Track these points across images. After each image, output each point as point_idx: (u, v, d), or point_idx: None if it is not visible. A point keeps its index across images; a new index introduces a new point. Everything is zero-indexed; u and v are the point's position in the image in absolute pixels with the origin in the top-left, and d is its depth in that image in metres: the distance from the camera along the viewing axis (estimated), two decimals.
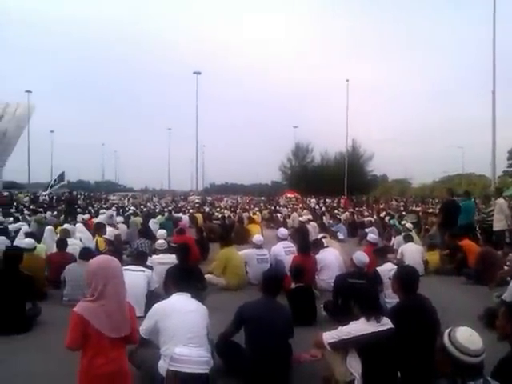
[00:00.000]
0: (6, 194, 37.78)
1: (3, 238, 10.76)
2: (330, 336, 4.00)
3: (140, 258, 6.95)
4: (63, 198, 35.14)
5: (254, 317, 4.29)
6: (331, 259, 8.12)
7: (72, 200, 23.52)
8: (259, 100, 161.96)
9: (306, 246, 8.18)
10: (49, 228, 10.65)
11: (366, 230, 14.18)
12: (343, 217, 21.02)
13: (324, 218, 20.15)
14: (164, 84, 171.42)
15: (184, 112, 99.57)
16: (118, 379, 3.20)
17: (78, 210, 21.52)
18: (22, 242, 8.51)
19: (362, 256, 6.49)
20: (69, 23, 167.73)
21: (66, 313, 6.42)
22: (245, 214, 21.85)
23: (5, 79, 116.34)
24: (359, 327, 3.87)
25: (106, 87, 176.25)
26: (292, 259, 7.87)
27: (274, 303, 4.53)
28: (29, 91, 53.52)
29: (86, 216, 16.10)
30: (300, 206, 34.12)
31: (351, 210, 27.10)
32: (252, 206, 34.09)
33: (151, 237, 11.26)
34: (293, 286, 6.49)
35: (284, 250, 8.78)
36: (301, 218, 18.36)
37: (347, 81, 51.46)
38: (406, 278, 4.49)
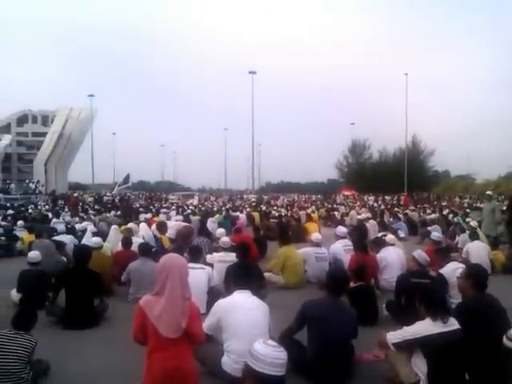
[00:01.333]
0: (75, 194, 39.71)
1: (71, 236, 11.35)
2: (394, 336, 3.93)
3: (195, 255, 7.01)
4: (125, 197, 36.56)
5: (318, 315, 4.27)
6: (393, 258, 7.92)
7: (127, 206, 24.71)
8: (315, 98, 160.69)
9: (364, 245, 8.04)
10: (114, 227, 11.09)
11: (429, 228, 13.73)
12: (408, 214, 20.40)
13: (384, 216, 19.71)
14: (221, 84, 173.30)
15: (240, 112, 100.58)
16: (178, 375, 3.25)
17: (140, 209, 22.35)
18: (89, 240, 8.91)
19: (424, 254, 6.31)
20: (130, 27, 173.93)
21: (131, 309, 6.70)
22: (301, 213, 21.76)
23: (69, 84, 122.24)
24: (425, 328, 3.77)
25: (165, 89, 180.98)
26: (351, 258, 7.76)
27: (338, 303, 4.49)
28: (91, 95, 55.92)
29: (148, 215, 16.63)
30: (358, 203, 33.57)
31: (412, 207, 26.35)
32: (309, 205, 33.88)
33: (209, 235, 11.46)
34: (352, 284, 6.40)
35: (343, 249, 8.67)
36: (359, 217, 18.03)
37: (406, 74, 50.03)
38: (478, 275, 4.32)
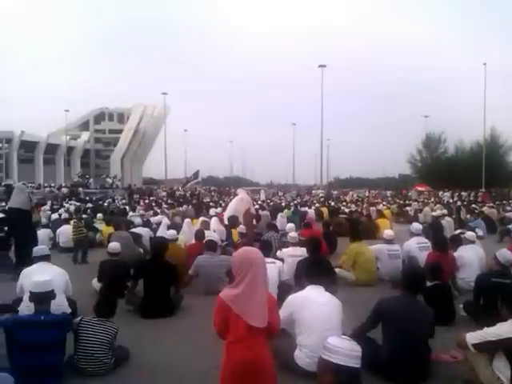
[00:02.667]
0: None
1: (147, 229, 11.84)
2: (473, 337, 3.77)
3: (266, 249, 7.03)
4: (196, 193, 37.56)
5: (394, 314, 4.18)
6: (471, 257, 7.55)
7: (198, 201, 25.60)
8: (386, 90, 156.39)
9: (443, 243, 7.69)
10: (187, 221, 11.43)
11: (509, 226, 12.97)
12: (486, 211, 19.36)
13: (461, 212, 18.85)
14: (289, 78, 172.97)
15: (309, 106, 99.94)
16: (255, 367, 3.28)
17: (211, 204, 22.88)
18: (165, 233, 9.25)
19: (507, 253, 5.97)
20: (198, 26, 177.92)
21: (204, 301, 6.91)
22: (372, 208, 21.32)
23: (144, 83, 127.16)
24: (508, 329, 3.58)
25: (234, 86, 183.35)
26: (427, 256, 7.49)
27: (415, 302, 4.38)
28: (165, 93, 57.73)
29: (219, 209, 16.97)
30: (432, 199, 32.26)
31: (490, 204, 24.99)
32: (379, 200, 33.08)
33: (278, 230, 11.52)
34: (428, 283, 6.18)
35: (417, 246, 8.37)
36: (434, 213, 17.35)
37: (484, 64, 47.23)
38: None
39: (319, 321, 4.09)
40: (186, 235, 10.17)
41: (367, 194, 47.59)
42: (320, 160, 51.01)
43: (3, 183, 36.05)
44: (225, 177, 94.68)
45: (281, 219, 15.33)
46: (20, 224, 9.27)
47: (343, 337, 2.49)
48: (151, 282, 6.38)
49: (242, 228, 10.19)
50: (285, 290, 5.97)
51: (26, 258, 7.76)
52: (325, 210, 20.73)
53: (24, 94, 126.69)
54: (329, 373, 2.37)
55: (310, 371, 4.07)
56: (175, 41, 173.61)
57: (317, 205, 25.11)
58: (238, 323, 3.28)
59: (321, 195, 40.61)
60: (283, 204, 26.61)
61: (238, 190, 15.86)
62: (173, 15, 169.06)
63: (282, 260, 7.29)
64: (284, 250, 8.07)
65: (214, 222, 11.23)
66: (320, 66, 47.69)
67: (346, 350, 2.34)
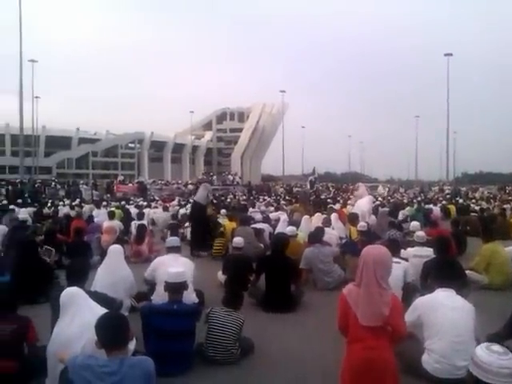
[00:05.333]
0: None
1: (267, 225, 12.09)
2: None
3: (392, 247, 6.78)
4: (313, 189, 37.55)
5: None
6: None
7: (316, 197, 25.68)
8: None
9: None
10: (305, 217, 11.47)
11: None
12: None
13: None
14: (411, 70, 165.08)
15: (433, 98, 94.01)
16: (377, 366, 3.20)
17: (328, 200, 22.73)
18: (285, 229, 9.38)
19: None
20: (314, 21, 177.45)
21: (322, 297, 6.88)
22: (506, 206, 19.56)
23: (263, 81, 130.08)
24: None
25: (352, 80, 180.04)
26: None
27: None
28: (283, 91, 58.51)
29: (337, 206, 16.80)
30: None
31: None
32: None
33: (401, 228, 11.06)
34: None
35: None
36: None
37: None
38: None
39: (450, 325, 3.89)
40: (304, 231, 10.21)
41: (497, 190, 43.55)
42: (446, 154, 47.90)
43: (136, 180, 39.39)
44: (342, 173, 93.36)
45: (403, 217, 14.71)
46: (197, 214, 11.58)
47: (493, 348, 2.17)
48: (273, 276, 6.51)
49: (362, 226, 9.96)
50: (410, 291, 5.73)
51: (200, 244, 10.13)
52: (452, 208, 19.49)
53: (154, 98, 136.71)
54: None
55: (440, 377, 3.87)
56: (292, 38, 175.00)
57: (443, 202, 23.66)
58: (358, 322, 3.24)
59: (447, 191, 38.17)
60: (405, 201, 25.51)
61: (357, 184, 15.50)
62: (290, 10, 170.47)
63: (406, 260, 7.00)
64: (409, 249, 7.72)
65: (333, 218, 11.13)
66: (446, 54, 44.78)
67: (494, 368, 2.10)
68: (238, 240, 7.94)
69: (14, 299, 4.38)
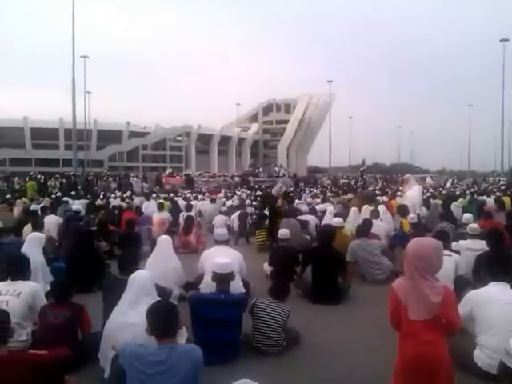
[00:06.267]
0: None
1: (313, 216, 12.06)
2: None
3: (441, 239, 6.59)
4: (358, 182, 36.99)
5: None
6: None
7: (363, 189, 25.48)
8: None
9: None
10: (353, 209, 11.31)
11: None
12: None
13: None
14: (464, 57, 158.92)
15: (487, 86, 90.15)
16: (430, 362, 3.12)
17: (377, 192, 22.31)
18: (331, 221, 9.31)
19: None
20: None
21: (370, 290, 6.79)
22: None
23: (309, 71, 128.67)
24: None
25: (403, 69, 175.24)
26: None
27: None
28: (330, 81, 57.75)
29: (385, 197, 16.46)
30: None
31: None
32: None
33: (454, 220, 10.73)
34: None
35: None
36: None
37: None
38: None
39: (504, 320, 3.77)
40: (352, 223, 10.08)
41: None
42: (501, 143, 45.90)
43: (184, 173, 40.07)
44: (391, 164, 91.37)
45: (455, 209, 14.23)
46: (269, 203, 13.49)
47: None
48: (319, 268, 6.49)
49: (412, 218, 9.72)
50: (461, 284, 5.59)
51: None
52: (507, 200, 18.70)
53: (201, 92, 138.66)
54: (507, 378, 2.11)
55: (492, 373, 3.74)
56: (338, 28, 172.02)
57: (497, 193, 22.73)
58: (409, 316, 3.17)
59: (501, 182, 36.61)
60: (457, 193, 24.68)
61: (405, 175, 15.09)
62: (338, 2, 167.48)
63: (458, 253, 6.79)
64: (461, 242, 7.47)
65: (381, 210, 10.93)
66: (501, 40, 42.78)
67: None
68: (283, 232, 7.95)
69: (70, 287, 4.57)
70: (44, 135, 55.67)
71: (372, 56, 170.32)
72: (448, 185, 36.07)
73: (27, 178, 27.95)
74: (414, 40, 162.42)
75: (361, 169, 34.24)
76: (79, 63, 35.61)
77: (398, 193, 19.70)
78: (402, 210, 10.57)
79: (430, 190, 24.41)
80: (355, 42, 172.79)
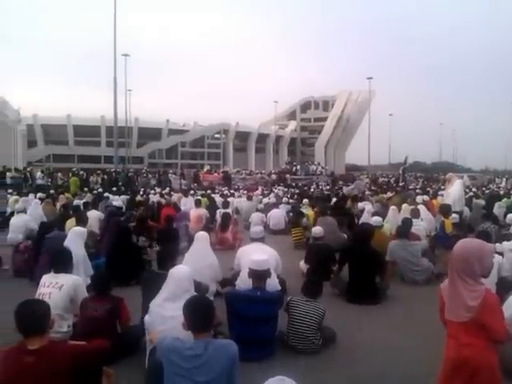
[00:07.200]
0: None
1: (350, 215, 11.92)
2: None
3: (484, 240, 6.40)
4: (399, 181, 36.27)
5: None
6: None
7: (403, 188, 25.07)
8: None
9: None
10: (392, 208, 11.11)
11: None
12: None
13: None
14: (508, 52, 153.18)
15: None
16: (469, 366, 3.02)
17: (417, 191, 21.84)
18: (370, 219, 9.18)
19: None
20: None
21: (409, 291, 6.67)
22: None
23: (350, 69, 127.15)
24: None
25: (442, 65, 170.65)
26: None
27: None
28: (370, 78, 56.77)
29: (425, 197, 16.09)
30: None
31: None
32: None
33: (497, 221, 10.38)
34: None
35: None
36: None
37: None
38: None
39: None
40: (391, 222, 9.91)
41: None
42: None
43: (221, 170, 40.36)
44: (432, 162, 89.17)
45: (499, 209, 13.74)
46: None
47: None
48: (356, 267, 6.40)
49: (454, 218, 9.46)
50: (504, 287, 5.41)
51: None
52: None
53: (239, 90, 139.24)
54: None
55: None
56: (378, 24, 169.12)
57: None
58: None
59: None
60: (501, 192, 23.86)
61: (448, 174, 14.67)
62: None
63: (501, 254, 6.57)
64: (504, 243, 7.23)
65: (421, 210, 10.69)
66: None
67: None
68: (316, 230, 7.90)
69: (109, 280, 4.68)
70: (86, 132, 57.09)
71: (412, 52, 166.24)
72: (503, 184, 34.92)
73: (70, 174, 28.70)
74: (457, 36, 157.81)
75: (402, 167, 33.38)
76: (120, 62, 36.28)
77: (440, 192, 19.24)
78: (445, 210, 10.27)
79: (473, 189, 23.68)
80: (396, 39, 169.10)
